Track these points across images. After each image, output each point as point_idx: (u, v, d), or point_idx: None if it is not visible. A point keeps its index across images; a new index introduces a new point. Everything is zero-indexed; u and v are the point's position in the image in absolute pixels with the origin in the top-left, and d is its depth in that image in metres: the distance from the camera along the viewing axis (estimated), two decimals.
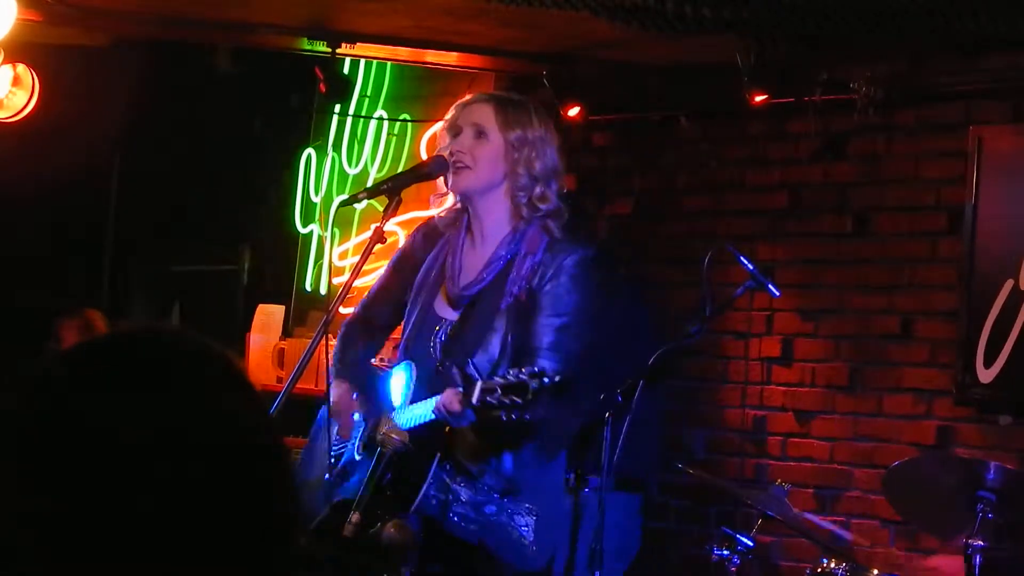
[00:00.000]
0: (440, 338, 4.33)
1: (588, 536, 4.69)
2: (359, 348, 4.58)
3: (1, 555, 1.33)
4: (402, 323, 4.51)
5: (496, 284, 4.32)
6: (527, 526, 4.31)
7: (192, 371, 1.40)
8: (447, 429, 4.19)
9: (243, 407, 1.41)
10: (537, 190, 4.34)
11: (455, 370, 4.13)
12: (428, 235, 4.58)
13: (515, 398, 3.87)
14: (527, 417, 3.94)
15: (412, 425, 4.22)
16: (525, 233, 4.34)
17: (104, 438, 1.33)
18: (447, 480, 4.23)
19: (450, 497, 4.23)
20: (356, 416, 4.46)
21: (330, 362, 4.57)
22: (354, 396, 4.46)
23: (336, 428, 4.43)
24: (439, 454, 4.20)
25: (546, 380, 3.85)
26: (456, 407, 4.02)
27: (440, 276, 4.43)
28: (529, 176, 4.34)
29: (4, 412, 1.37)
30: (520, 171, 4.33)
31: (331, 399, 4.39)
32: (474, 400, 3.94)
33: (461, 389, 4.01)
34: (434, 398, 4.12)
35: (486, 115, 4.40)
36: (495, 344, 4.22)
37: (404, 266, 4.57)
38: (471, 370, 4.09)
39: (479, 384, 3.94)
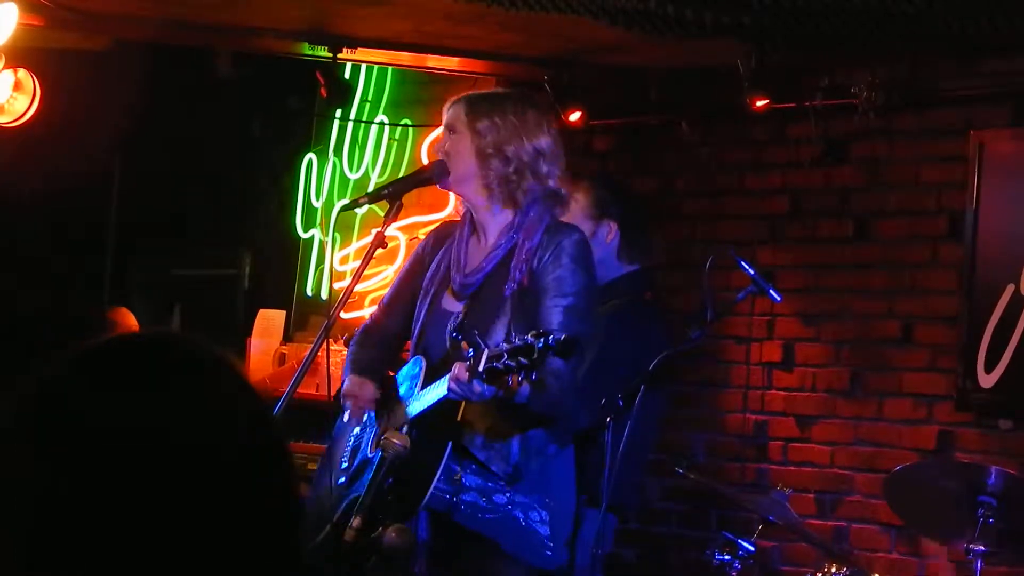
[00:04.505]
0: (449, 331, 4.35)
1: (588, 541, 4.70)
2: (373, 357, 4.57)
3: (2, 561, 1.33)
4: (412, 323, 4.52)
5: (498, 272, 4.35)
6: (542, 520, 4.31)
7: (193, 373, 1.40)
8: (459, 417, 4.20)
9: (244, 409, 1.41)
10: (510, 170, 4.37)
11: (462, 343, 4.13)
12: (438, 238, 4.62)
13: (522, 359, 3.86)
14: (534, 376, 3.93)
15: (422, 410, 4.23)
16: (524, 220, 4.37)
17: (105, 439, 1.33)
18: (456, 471, 4.24)
19: (458, 488, 4.24)
20: (370, 408, 4.46)
21: (344, 371, 4.59)
22: (375, 389, 4.46)
23: (348, 411, 4.44)
24: (451, 443, 4.21)
25: (551, 339, 3.85)
26: (464, 376, 4.01)
27: (447, 272, 4.47)
28: (500, 159, 4.37)
29: (5, 414, 1.37)
30: (489, 152, 4.39)
31: (348, 386, 4.41)
32: (480, 367, 3.94)
33: (470, 361, 4.01)
34: (445, 378, 4.13)
35: (456, 114, 4.50)
36: (500, 330, 4.24)
37: (415, 271, 4.60)
38: (478, 340, 4.08)
39: (485, 352, 3.95)
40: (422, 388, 4.29)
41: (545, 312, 4.24)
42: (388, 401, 4.43)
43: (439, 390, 4.16)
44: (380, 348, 4.62)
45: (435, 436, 4.23)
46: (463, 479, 4.25)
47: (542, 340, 3.84)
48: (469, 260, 4.45)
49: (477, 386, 4.01)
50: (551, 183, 4.42)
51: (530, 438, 4.30)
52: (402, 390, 4.40)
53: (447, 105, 4.57)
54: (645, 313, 5.23)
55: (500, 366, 3.90)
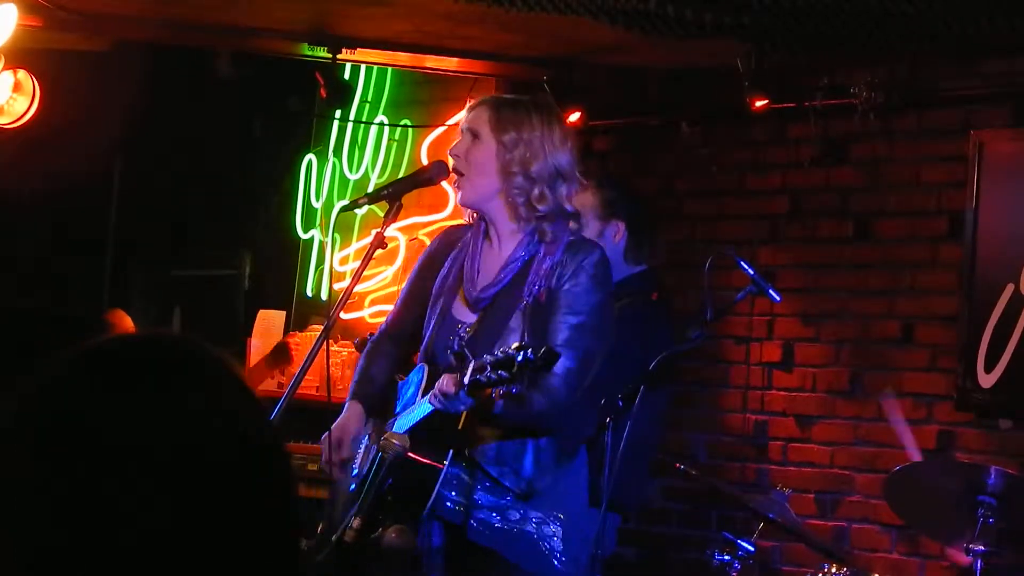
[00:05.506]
0: (458, 341, 4.32)
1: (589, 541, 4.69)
2: (386, 362, 4.55)
3: (2, 561, 1.33)
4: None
5: (514, 285, 4.31)
6: (556, 536, 4.29)
7: (192, 373, 1.40)
8: (460, 425, 4.18)
9: (242, 409, 1.41)
10: (535, 191, 4.32)
11: (451, 355, 4.12)
12: (449, 240, 4.56)
13: (502, 372, 3.85)
14: (514, 391, 3.92)
15: (416, 420, 4.21)
16: (542, 234, 4.32)
17: (105, 440, 1.33)
18: (468, 482, 4.22)
19: (470, 502, 4.22)
20: (362, 439, 4.44)
21: (353, 379, 4.58)
22: (366, 421, 4.44)
23: (341, 449, 4.40)
24: (452, 451, 4.20)
25: (530, 352, 3.83)
26: (450, 389, 4.01)
27: (458, 280, 4.42)
28: (525, 176, 4.31)
29: (5, 414, 1.37)
30: (515, 170, 4.31)
31: (338, 420, 4.39)
32: (465, 380, 3.93)
33: (458, 374, 4.01)
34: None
35: (481, 118, 4.40)
36: (514, 343, 4.21)
37: (427, 272, 4.55)
38: (467, 355, 4.07)
39: (471, 364, 3.94)
40: (423, 397, 4.28)
41: (553, 327, 4.20)
42: (395, 408, 4.42)
43: (426, 404, 4.16)
44: (393, 353, 4.58)
45: (437, 441, 4.21)
46: (475, 497, 4.22)
47: (522, 353, 3.83)
48: (483, 270, 4.38)
49: (461, 398, 4.02)
50: (567, 207, 4.39)
51: (543, 452, 4.28)
52: (406, 396, 4.39)
53: (469, 105, 4.49)
54: (652, 313, 5.23)
55: (483, 379, 3.90)
